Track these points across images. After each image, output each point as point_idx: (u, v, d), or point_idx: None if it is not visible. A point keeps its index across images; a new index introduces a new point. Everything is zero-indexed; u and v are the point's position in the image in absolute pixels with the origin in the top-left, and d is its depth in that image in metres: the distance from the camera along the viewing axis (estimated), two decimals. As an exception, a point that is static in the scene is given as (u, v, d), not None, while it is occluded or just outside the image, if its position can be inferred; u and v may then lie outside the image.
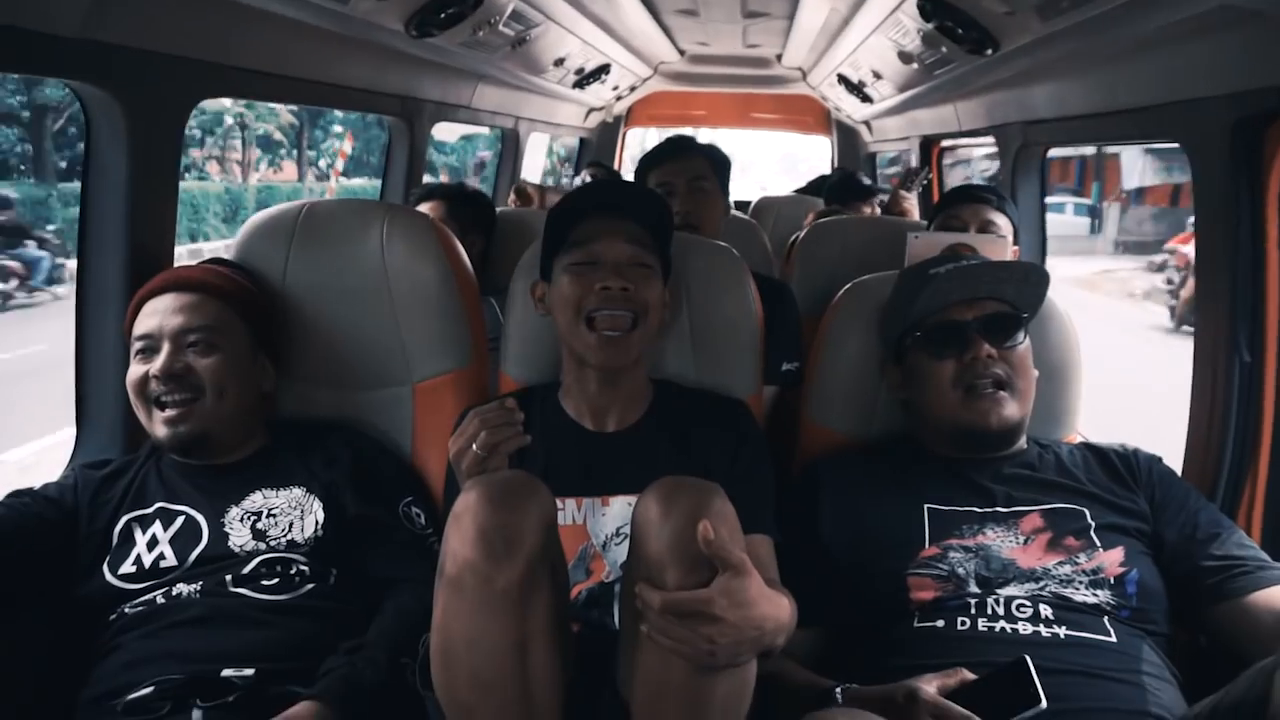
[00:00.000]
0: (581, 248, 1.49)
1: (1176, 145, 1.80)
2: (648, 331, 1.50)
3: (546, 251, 1.57)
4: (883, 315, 1.67)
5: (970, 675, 1.21)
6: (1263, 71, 1.45)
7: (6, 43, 1.41)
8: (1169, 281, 11.79)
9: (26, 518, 1.44)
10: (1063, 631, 1.33)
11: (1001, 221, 2.21)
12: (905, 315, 1.57)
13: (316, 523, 1.51)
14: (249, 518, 1.50)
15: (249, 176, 19.96)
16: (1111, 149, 17.30)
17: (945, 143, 4.03)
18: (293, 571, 1.46)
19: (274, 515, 1.51)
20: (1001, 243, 2.09)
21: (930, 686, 1.21)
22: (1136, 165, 17.58)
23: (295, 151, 21.22)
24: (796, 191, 4.82)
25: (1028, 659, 1.19)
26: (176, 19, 1.70)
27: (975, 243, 2.04)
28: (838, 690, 1.29)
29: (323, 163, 21.21)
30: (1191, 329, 1.80)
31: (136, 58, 1.65)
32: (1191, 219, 1.89)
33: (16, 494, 1.49)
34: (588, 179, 4.06)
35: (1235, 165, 1.56)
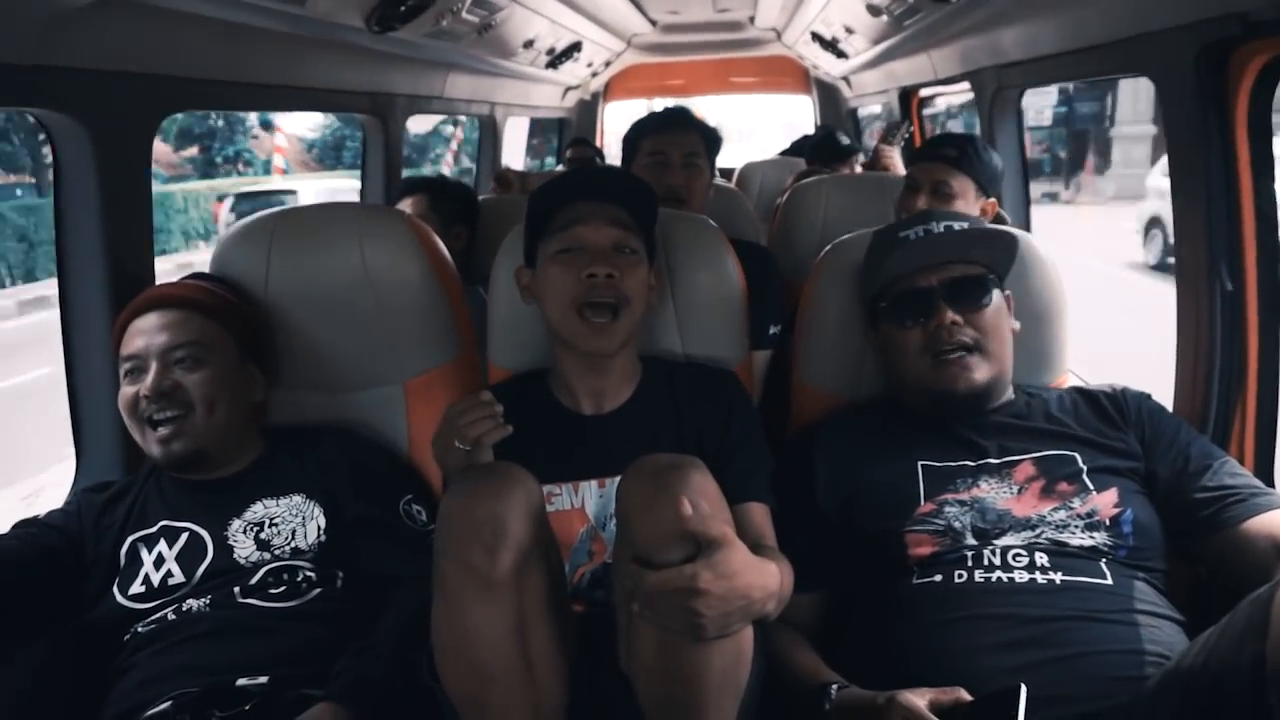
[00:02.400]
0: (565, 233, 1.49)
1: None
2: (633, 317, 1.50)
3: (530, 238, 1.56)
4: (862, 278, 1.67)
5: (967, 696, 1.20)
6: (1222, -1, 1.44)
7: None
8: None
9: (34, 547, 1.46)
10: (1058, 577, 1.34)
11: (956, 182, 2.17)
12: (874, 281, 1.58)
13: (319, 528, 1.53)
14: (252, 529, 1.51)
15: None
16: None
17: (924, 92, 4.00)
18: (299, 578, 1.48)
19: (276, 524, 1.52)
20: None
21: (922, 700, 1.20)
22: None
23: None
24: (781, 154, 4.79)
25: (1023, 687, 1.17)
26: (133, 37, 1.69)
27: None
28: (832, 688, 1.31)
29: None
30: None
31: (96, 80, 1.64)
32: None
33: (23, 524, 1.51)
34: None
35: (1202, 95, 1.54)
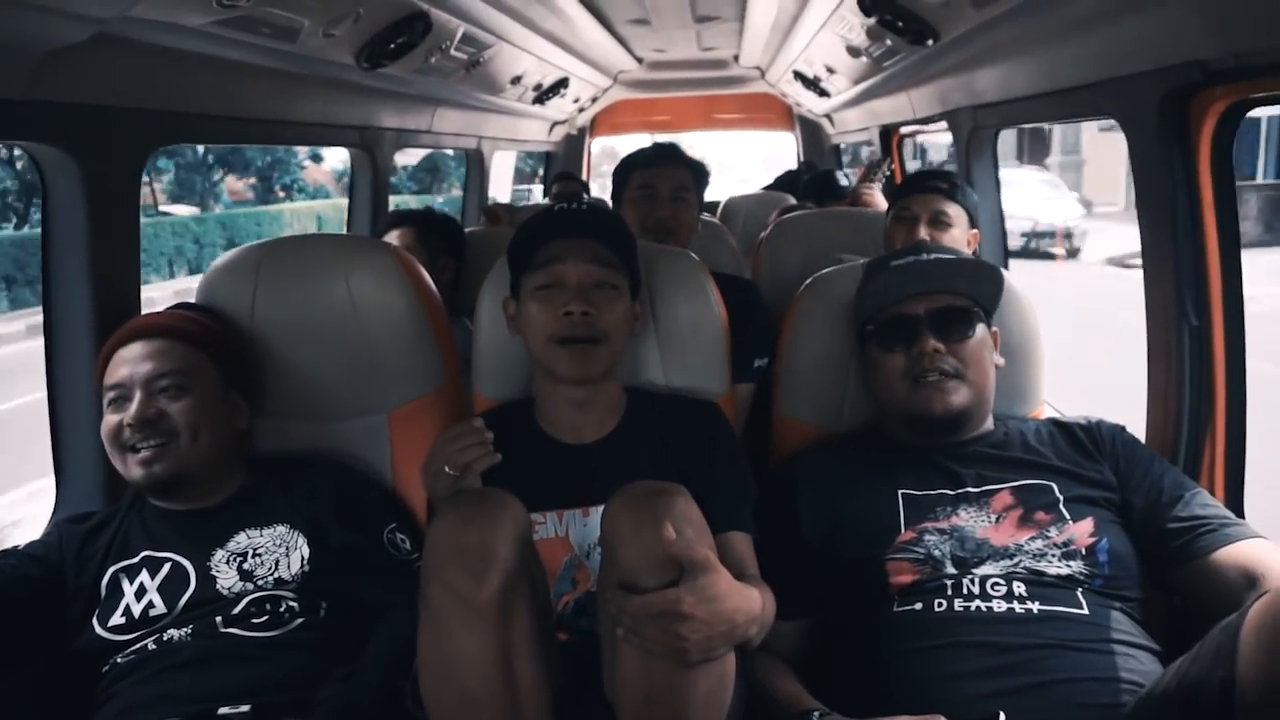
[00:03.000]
0: (546, 269, 1.51)
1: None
2: (613, 349, 1.52)
3: (513, 271, 1.59)
4: (855, 304, 1.69)
5: None
6: (1185, 46, 1.49)
7: None
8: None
9: (12, 579, 1.45)
10: (1036, 607, 1.36)
11: (953, 211, 2.24)
12: (863, 307, 1.62)
13: (302, 558, 1.53)
14: (235, 559, 1.51)
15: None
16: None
17: (904, 130, 4.08)
18: (282, 609, 1.48)
19: (259, 554, 1.52)
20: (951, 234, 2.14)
21: None
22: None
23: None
24: (765, 189, 4.85)
25: (1001, 715, 1.19)
26: (126, 73, 1.71)
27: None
28: (814, 715, 1.32)
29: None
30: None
31: (87, 114, 1.66)
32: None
33: (2, 554, 1.50)
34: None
35: (1166, 137, 1.60)
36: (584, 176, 5.85)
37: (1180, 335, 1.64)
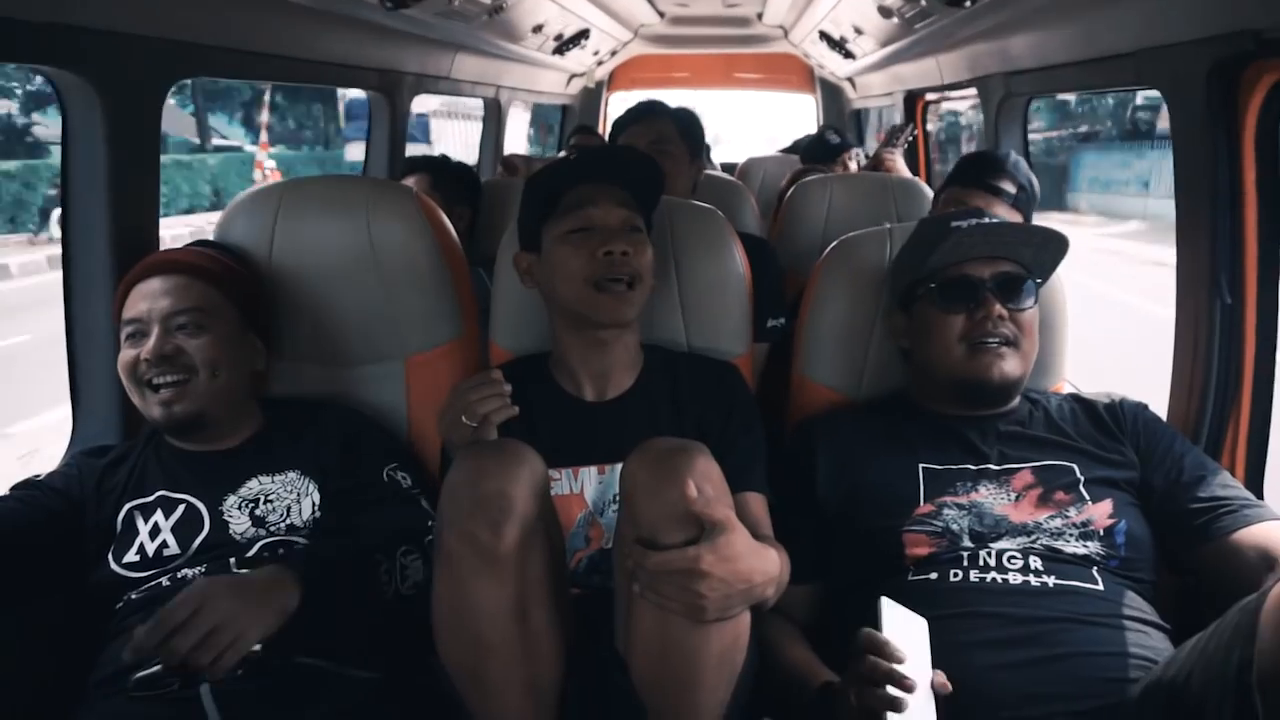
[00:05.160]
0: (576, 213, 1.49)
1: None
2: (645, 292, 1.52)
3: (530, 221, 1.56)
4: (895, 262, 1.67)
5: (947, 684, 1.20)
6: (1238, 14, 1.45)
7: None
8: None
9: (35, 510, 1.46)
10: (1051, 580, 1.36)
11: (1005, 214, 2.06)
12: (919, 265, 1.56)
13: (313, 504, 1.53)
14: (247, 505, 1.51)
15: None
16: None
17: (929, 96, 4.01)
18: (296, 553, 1.48)
19: (271, 501, 1.52)
20: None
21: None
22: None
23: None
24: (782, 151, 4.81)
25: None
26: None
27: None
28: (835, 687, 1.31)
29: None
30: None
31: (109, 40, 1.63)
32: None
33: (24, 485, 1.50)
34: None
35: (1212, 110, 1.56)
36: (600, 130, 5.79)
37: (1212, 313, 1.62)
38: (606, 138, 2.46)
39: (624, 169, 1.55)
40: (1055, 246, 1.53)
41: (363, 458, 1.59)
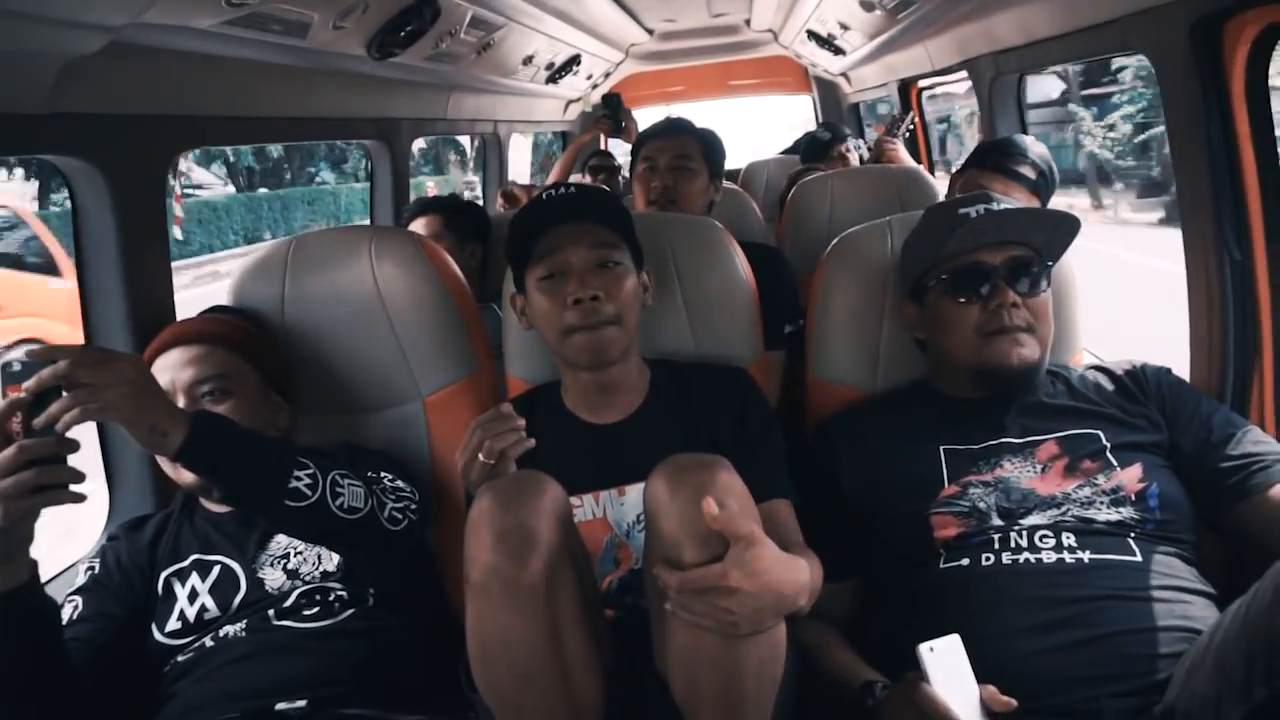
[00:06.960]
0: (547, 259, 1.49)
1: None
2: (626, 328, 1.51)
3: (513, 265, 1.58)
4: (904, 251, 1.66)
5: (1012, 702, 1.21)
6: (1211, -31, 1.45)
7: None
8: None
9: (105, 633, 1.46)
10: (1087, 556, 1.34)
11: (1023, 198, 2.06)
12: (929, 254, 1.55)
13: None
14: (279, 561, 1.53)
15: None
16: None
17: (923, 83, 4.00)
18: (331, 599, 1.49)
19: (302, 553, 1.53)
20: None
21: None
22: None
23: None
24: (783, 152, 4.81)
25: None
26: (143, 80, 1.72)
27: None
28: (877, 686, 1.31)
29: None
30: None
31: (109, 124, 1.68)
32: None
33: (80, 592, 1.50)
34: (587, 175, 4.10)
35: (1198, 67, 1.55)
36: (604, 147, 5.82)
37: (1222, 269, 1.60)
38: (618, 158, 2.52)
39: (588, 203, 1.54)
40: (1067, 229, 1.52)
41: (357, 465, 1.58)
